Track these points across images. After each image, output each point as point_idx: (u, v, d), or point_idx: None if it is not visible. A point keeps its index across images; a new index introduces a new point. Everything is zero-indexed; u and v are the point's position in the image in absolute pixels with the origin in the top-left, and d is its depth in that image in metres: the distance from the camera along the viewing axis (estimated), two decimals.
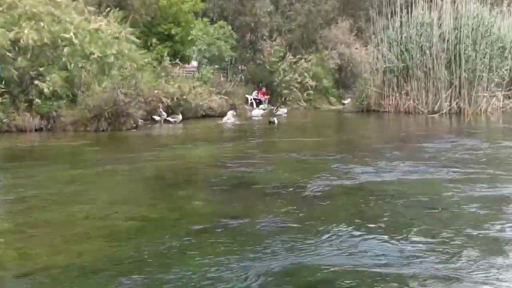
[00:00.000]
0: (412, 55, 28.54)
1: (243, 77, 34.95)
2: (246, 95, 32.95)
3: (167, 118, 20.46)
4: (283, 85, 33.56)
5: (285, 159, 11.88)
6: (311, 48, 36.50)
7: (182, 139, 16.80)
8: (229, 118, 22.38)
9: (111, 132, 16.90)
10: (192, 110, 23.31)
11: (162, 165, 10.85)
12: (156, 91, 21.47)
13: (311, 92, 34.44)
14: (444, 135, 17.87)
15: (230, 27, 30.22)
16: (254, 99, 32.87)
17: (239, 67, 34.72)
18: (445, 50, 27.48)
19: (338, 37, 37.24)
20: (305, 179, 8.81)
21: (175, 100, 22.22)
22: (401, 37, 29.11)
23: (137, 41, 21.69)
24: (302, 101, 34.07)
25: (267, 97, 33.29)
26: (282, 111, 28.94)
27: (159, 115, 20.50)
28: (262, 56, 34.16)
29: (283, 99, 33.67)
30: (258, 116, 26.17)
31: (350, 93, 35.92)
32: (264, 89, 33.46)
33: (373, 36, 30.87)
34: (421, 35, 28.34)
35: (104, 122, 17.20)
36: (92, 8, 20.45)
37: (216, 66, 34.41)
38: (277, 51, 34.10)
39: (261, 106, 32.53)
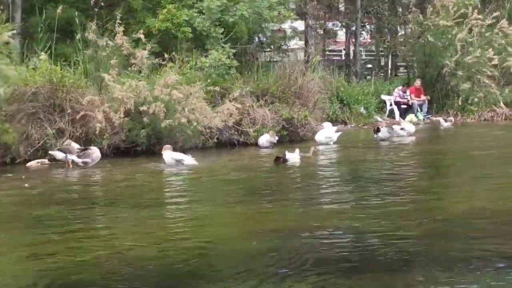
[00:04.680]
0: None
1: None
2: (382, 96, 17.32)
3: (71, 157, 10.21)
4: (460, 72, 16.90)
5: None
6: None
7: None
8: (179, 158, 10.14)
9: None
10: (173, 134, 11.08)
11: None
12: (87, 99, 10.69)
13: None
14: None
15: None
16: (396, 102, 17.03)
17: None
18: None
19: None
20: None
21: (121, 115, 10.69)
22: None
23: None
24: (502, 105, 16.99)
25: (424, 98, 17.16)
26: (395, 130, 12.95)
27: (65, 151, 10.31)
28: (419, 17, 17.80)
29: (459, 102, 17.09)
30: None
31: None
32: (419, 83, 17.30)
33: None
34: None
35: None
36: None
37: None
38: (460, 4, 17.43)
39: (408, 117, 16.52)
